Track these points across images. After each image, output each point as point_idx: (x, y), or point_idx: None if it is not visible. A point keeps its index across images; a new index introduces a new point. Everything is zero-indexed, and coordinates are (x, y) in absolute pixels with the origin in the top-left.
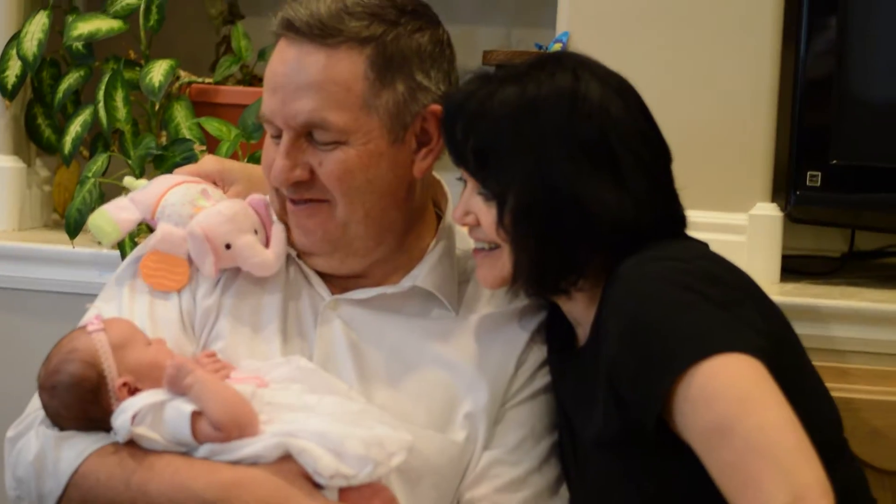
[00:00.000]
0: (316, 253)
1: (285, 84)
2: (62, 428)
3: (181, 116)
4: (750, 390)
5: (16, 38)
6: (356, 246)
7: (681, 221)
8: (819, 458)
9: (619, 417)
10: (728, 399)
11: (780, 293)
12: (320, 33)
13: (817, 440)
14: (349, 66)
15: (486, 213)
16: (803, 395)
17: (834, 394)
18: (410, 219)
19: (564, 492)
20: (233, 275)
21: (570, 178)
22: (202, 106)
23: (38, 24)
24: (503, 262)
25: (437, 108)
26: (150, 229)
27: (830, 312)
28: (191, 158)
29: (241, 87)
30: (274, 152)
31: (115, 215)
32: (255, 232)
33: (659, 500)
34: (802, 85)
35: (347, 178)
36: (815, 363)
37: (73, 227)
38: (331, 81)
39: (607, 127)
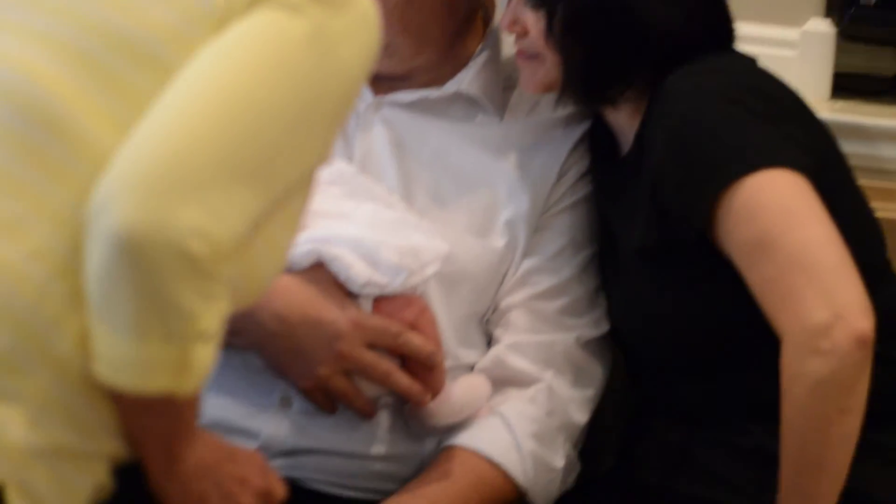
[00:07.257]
0: None
1: None
2: None
3: None
4: (794, 206)
5: None
6: (391, 51)
7: (729, 34)
8: (861, 278)
9: (661, 227)
10: (771, 214)
11: (830, 111)
12: None
13: (859, 260)
14: None
15: (535, 23)
16: (847, 215)
17: (879, 214)
18: (454, 31)
19: (603, 301)
20: None
21: None
22: None
23: None
24: (546, 68)
25: None
26: None
27: (879, 132)
28: None
29: None
30: None
31: None
32: None
33: (696, 312)
34: None
35: None
36: (862, 182)
37: None
38: None
39: None
